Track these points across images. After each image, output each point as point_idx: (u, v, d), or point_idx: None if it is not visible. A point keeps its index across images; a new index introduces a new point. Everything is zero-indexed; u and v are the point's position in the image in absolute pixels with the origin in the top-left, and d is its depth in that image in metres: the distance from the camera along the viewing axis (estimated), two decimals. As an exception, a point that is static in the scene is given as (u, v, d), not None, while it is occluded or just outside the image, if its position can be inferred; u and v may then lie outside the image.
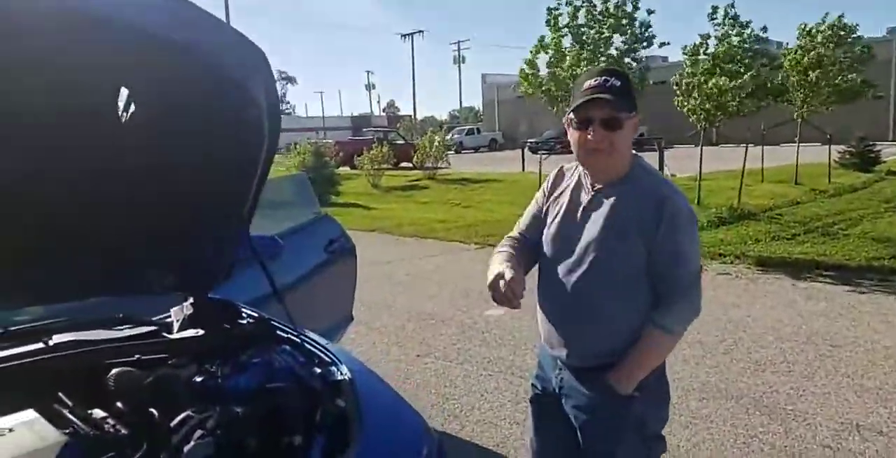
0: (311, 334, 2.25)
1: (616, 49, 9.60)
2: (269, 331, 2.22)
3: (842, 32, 11.59)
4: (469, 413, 3.80)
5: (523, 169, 18.93)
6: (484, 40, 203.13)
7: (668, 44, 11.20)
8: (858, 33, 11.96)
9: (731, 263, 7.38)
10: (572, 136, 1.87)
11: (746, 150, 13.52)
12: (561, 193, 2.00)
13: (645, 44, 9.65)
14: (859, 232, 8.49)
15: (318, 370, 1.95)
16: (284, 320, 2.24)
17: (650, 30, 9.62)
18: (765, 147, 14.49)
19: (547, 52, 9.57)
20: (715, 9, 11.14)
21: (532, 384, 2.18)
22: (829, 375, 4.18)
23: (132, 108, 1.68)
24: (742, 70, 10.94)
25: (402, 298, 6.34)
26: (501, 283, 1.78)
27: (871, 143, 16.97)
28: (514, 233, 2.11)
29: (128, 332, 2.06)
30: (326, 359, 2.05)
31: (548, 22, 9.73)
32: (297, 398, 1.76)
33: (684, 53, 11.17)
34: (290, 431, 1.67)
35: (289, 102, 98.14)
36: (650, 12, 9.58)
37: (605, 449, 1.94)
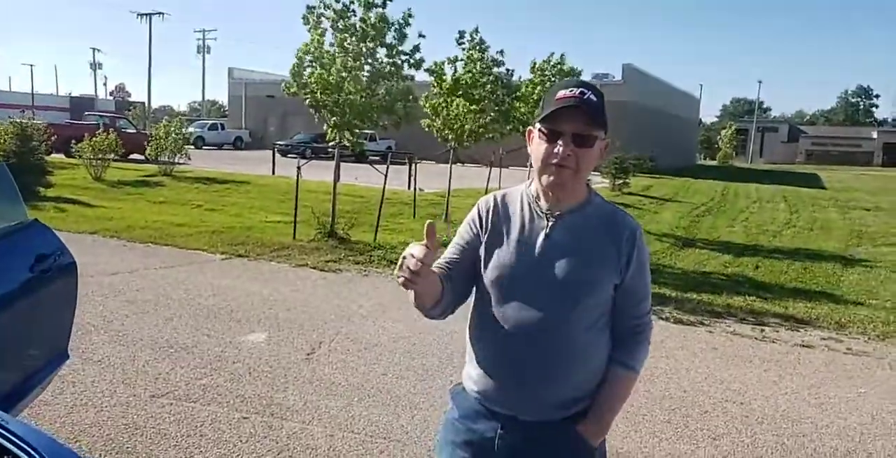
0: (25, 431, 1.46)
1: (378, 60, 9.28)
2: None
3: (565, 69, 12.74)
4: (221, 473, 3.11)
5: (273, 172, 17.98)
6: (230, 33, 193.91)
7: (436, 71, 11.33)
8: (579, 70, 13.27)
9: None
10: (537, 148, 1.66)
11: (490, 171, 14.50)
12: (506, 221, 1.74)
13: (413, 66, 9.45)
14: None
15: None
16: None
17: (420, 53, 9.42)
18: (503, 169, 15.53)
19: (316, 54, 8.92)
20: (462, 33, 11.63)
21: (450, 447, 1.79)
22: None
23: None
24: (483, 95, 11.51)
25: (131, 320, 5.27)
26: (412, 259, 1.44)
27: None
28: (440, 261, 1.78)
29: None
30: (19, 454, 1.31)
31: (305, 19, 9.01)
32: None
33: (430, 74, 11.44)
34: None
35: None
36: (422, 36, 9.41)
37: None
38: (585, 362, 1.68)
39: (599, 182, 21.38)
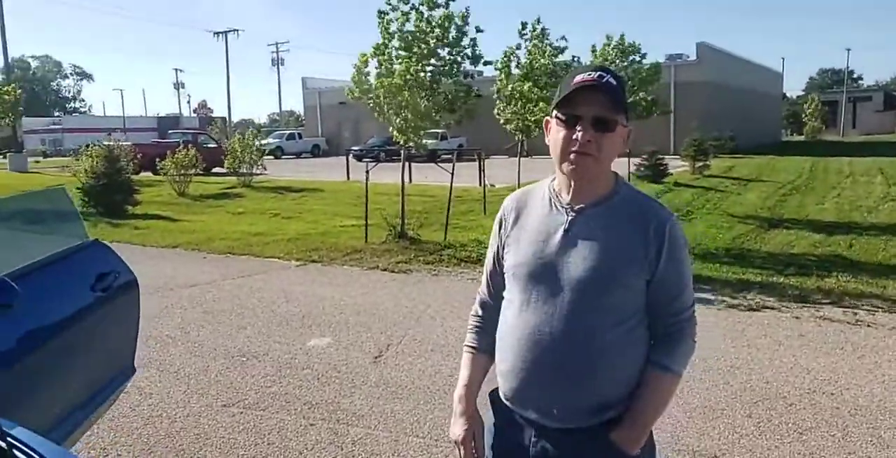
0: (38, 442, 1.50)
1: (440, 59, 9.30)
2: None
3: (630, 50, 12.39)
4: (285, 482, 3.14)
5: (348, 177, 18.30)
6: (302, 44, 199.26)
7: (492, 62, 11.28)
8: (643, 52, 12.89)
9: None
10: (555, 135, 1.58)
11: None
12: (525, 217, 1.68)
13: (471, 61, 9.44)
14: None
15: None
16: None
17: (478, 49, 9.42)
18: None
19: (382, 57, 9.02)
20: (524, 24, 11.56)
21: (491, 453, 1.74)
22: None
23: None
24: (552, 81, 11.40)
25: (206, 330, 5.44)
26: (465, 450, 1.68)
27: (660, 156, 18.41)
28: (480, 299, 1.81)
29: None
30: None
31: (379, 25, 9.26)
32: None
33: (496, 68, 11.45)
34: None
35: (83, 101, 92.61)
36: (479, 30, 9.39)
37: None
38: (612, 364, 1.56)
39: (680, 166, 20.68)
